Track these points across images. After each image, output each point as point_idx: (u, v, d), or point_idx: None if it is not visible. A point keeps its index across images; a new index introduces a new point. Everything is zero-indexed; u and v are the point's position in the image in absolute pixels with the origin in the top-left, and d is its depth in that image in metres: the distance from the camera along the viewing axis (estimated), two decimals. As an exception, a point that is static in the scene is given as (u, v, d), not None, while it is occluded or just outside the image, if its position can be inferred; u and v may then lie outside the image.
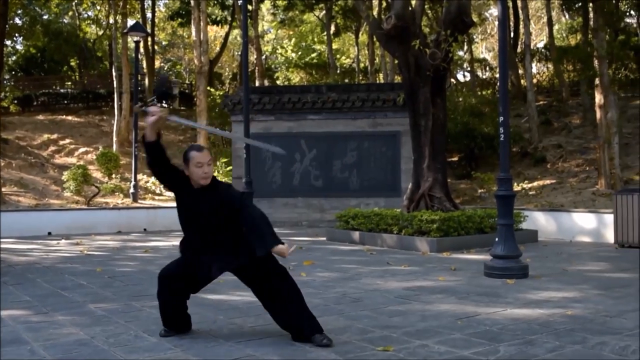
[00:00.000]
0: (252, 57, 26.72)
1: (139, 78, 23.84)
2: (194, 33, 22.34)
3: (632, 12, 25.01)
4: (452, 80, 27.83)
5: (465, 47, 29.08)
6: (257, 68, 27.06)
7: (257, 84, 25.96)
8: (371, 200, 16.43)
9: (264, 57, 32.85)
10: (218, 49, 33.74)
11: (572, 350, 4.34)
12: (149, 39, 28.19)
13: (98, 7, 29.58)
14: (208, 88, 23.32)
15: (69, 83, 31.07)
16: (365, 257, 10.16)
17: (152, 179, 19.92)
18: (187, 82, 36.02)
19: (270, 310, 4.66)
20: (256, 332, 4.91)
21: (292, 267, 8.72)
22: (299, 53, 34.15)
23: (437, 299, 6.37)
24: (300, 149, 17.18)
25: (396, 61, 16.61)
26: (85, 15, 33.67)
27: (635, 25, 25.10)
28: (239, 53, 34.14)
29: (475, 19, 21.85)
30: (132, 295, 6.64)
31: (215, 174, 18.72)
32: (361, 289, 6.94)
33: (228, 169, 18.67)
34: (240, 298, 6.39)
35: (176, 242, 12.50)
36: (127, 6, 25.51)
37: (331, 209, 16.36)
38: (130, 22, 24.08)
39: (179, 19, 30.59)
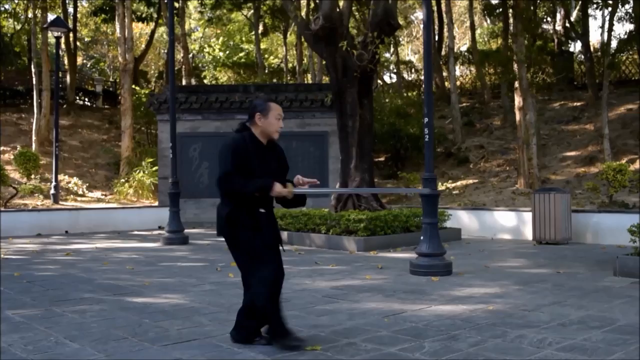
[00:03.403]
0: (179, 56, 26.30)
1: (60, 75, 23.03)
2: (118, 30, 21.78)
3: (549, 18, 26.08)
4: (379, 81, 28.26)
5: (392, 49, 29.56)
6: (183, 67, 26.67)
7: (183, 82, 25.59)
8: (299, 200, 16.45)
9: (191, 55, 32.36)
10: (143, 46, 32.99)
11: (493, 344, 4.49)
12: (71, 34, 27.28)
13: (16, 1, 28.37)
14: (133, 86, 22.78)
15: (-16, 79, 29.65)
16: (293, 257, 10.17)
17: (75, 179, 19.31)
18: (111, 80, 35.07)
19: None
20: (183, 335, 4.84)
21: (219, 269, 8.65)
22: (227, 52, 33.84)
23: (364, 297, 6.45)
24: (228, 149, 17.03)
25: (324, 62, 16.72)
26: (2, 9, 32.19)
27: (551, 31, 26.18)
28: (165, 51, 33.52)
29: (401, 21, 22.28)
30: (53, 300, 6.41)
31: (141, 174, 18.38)
32: (289, 289, 6.94)
33: (154, 169, 18.30)
34: (167, 301, 6.29)
35: (99, 244, 12.06)
36: (48, 0, 24.58)
37: (259, 209, 16.27)
38: (51, 16, 23.23)
39: (103, 15, 29.70)
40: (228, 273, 8.11)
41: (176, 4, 24.48)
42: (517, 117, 17.05)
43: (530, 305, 5.91)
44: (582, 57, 23.18)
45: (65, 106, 25.55)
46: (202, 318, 5.47)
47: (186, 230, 13.00)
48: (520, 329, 4.96)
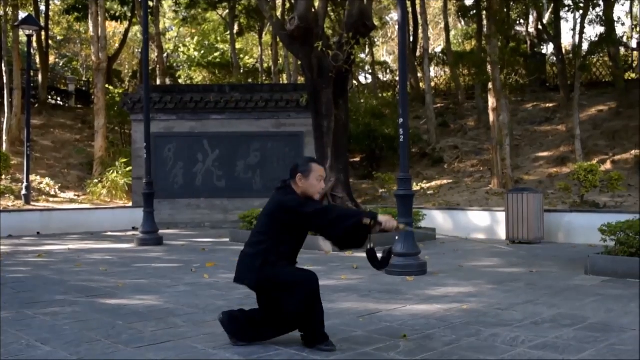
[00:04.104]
0: (153, 55, 26.09)
1: (32, 74, 22.70)
2: (91, 28, 21.52)
3: (522, 20, 26.39)
4: (354, 82, 28.34)
5: (367, 50, 29.65)
6: (158, 66, 26.46)
7: (158, 82, 25.38)
8: (275, 200, 16.43)
9: (165, 55, 32.11)
10: (117, 45, 32.66)
11: (467, 343, 4.53)
12: (43, 33, 26.89)
13: (-14, -2, 27.88)
14: (107, 86, 22.56)
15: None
16: (269, 257, 10.14)
17: (47, 180, 19.04)
18: (84, 79, 34.65)
19: None
20: (157, 337, 4.80)
21: (194, 270, 8.61)
22: (202, 52, 33.65)
23: (339, 297, 6.46)
24: (203, 149, 16.97)
25: (299, 62, 16.72)
26: (-28, 6, 31.64)
27: (524, 33, 26.49)
28: (139, 50, 33.21)
29: (376, 22, 22.34)
30: (24, 302, 6.31)
31: (115, 174, 18.21)
32: (265, 290, 6.94)
33: (128, 169, 18.13)
34: (141, 302, 6.23)
35: (72, 245, 11.90)
36: (19, -2, 24.20)
37: (235, 209, 16.24)
38: (22, 14, 22.86)
39: (76, 13, 29.32)
40: (203, 274, 8.07)
41: (150, 3, 24.27)
42: (491, 118, 17.23)
43: (503, 304, 5.98)
44: (554, 59, 23.52)
45: (37, 105, 25.19)
46: (177, 319, 5.44)
47: (161, 231, 12.90)
48: (494, 327, 5.02)
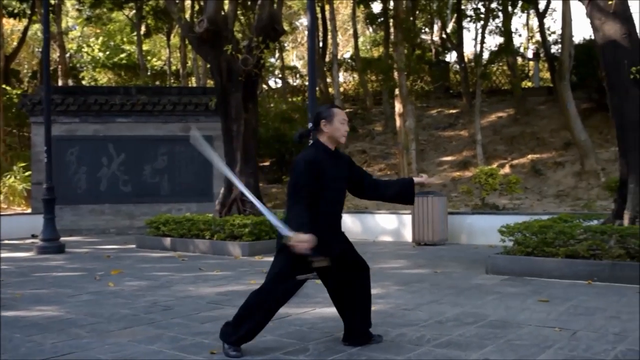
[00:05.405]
0: (55, 55, 25.09)
1: None
2: (-14, 25, 20.42)
3: (427, 29, 27.25)
4: (264, 86, 28.33)
5: (277, 55, 29.72)
6: (60, 67, 25.47)
7: (60, 83, 24.42)
8: (183, 205, 16.19)
9: (68, 55, 30.91)
10: (16, 44, 31.11)
11: (375, 343, 4.61)
12: None
13: None
14: (4, 86, 21.46)
15: None
16: (177, 263, 9.97)
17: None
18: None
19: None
20: (59, 349, 4.60)
21: (98, 277, 8.32)
22: (107, 53, 32.62)
23: (249, 302, 6.42)
24: (108, 153, 16.45)
25: (208, 65, 16.53)
26: None
27: (429, 41, 27.35)
28: (40, 49, 31.80)
29: (286, 27, 22.42)
30: None
31: (12, 179, 17.34)
32: (172, 297, 6.81)
33: (27, 174, 17.31)
34: (40, 313, 5.96)
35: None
36: None
37: (141, 215, 15.85)
38: None
39: (-32, 10, 27.72)
40: (108, 282, 7.82)
41: (52, 1, 23.31)
42: (398, 123, 17.67)
43: (410, 305, 6.14)
44: (457, 67, 24.43)
45: None
46: (80, 330, 5.24)
47: (62, 238, 12.41)
48: (401, 327, 5.14)
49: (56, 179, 13.39)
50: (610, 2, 8.27)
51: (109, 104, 16.41)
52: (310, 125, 4.50)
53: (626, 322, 5.22)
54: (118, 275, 8.54)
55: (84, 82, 31.99)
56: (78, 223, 16.16)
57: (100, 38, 33.86)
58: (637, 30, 8.44)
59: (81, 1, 29.47)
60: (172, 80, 29.85)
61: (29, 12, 28.24)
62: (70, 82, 27.92)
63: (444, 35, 25.27)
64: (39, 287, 7.69)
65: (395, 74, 17.96)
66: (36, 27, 32.00)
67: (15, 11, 28.72)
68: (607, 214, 9.28)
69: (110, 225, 16.30)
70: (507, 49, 19.69)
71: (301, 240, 3.98)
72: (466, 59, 23.69)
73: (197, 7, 25.14)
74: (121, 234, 15.72)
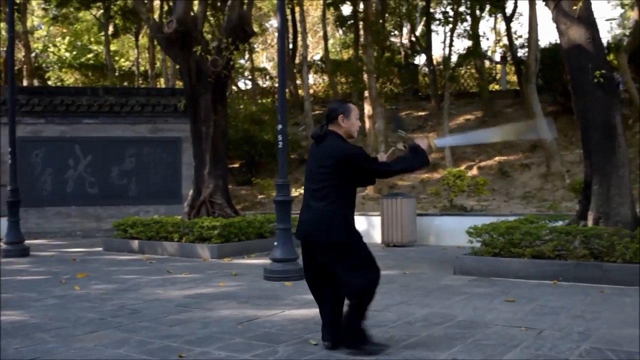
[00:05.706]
0: (20, 55, 24.64)
1: None
2: (-53, 24, 19.98)
3: (397, 32, 27.41)
4: (234, 87, 28.20)
5: (247, 56, 29.60)
6: (25, 66, 25.02)
7: (25, 83, 24.00)
8: (151, 207, 16.02)
9: (33, 55, 30.35)
10: (-22, 43, 30.50)
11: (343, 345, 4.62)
12: None
13: None
14: (-35, 86, 20.98)
15: None
16: (144, 266, 9.87)
17: None
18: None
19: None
20: (23, 355, 4.52)
21: (64, 281, 8.19)
22: (74, 53, 32.14)
23: (218, 305, 6.40)
24: (75, 155, 16.21)
25: (177, 66, 16.40)
26: None
27: (399, 44, 27.53)
28: (4, 49, 31.18)
29: (256, 29, 22.40)
30: None
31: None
32: (140, 300, 6.74)
33: (-10, 175, 16.94)
34: (4, 318, 5.84)
35: None
36: None
37: (108, 217, 15.64)
38: None
39: None
40: (73, 286, 7.70)
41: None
42: (367, 125, 17.74)
43: (379, 306, 6.15)
44: (426, 69, 24.62)
45: None
46: (45, 335, 5.15)
47: (27, 241, 12.18)
48: (370, 328, 5.14)
49: (21, 181, 13.14)
50: (575, 8, 8.43)
51: (76, 105, 16.16)
52: (323, 122, 4.55)
53: (590, 321, 5.32)
54: (84, 279, 8.42)
55: (50, 83, 31.44)
56: (43, 226, 15.87)
57: (67, 38, 33.34)
58: (600, 35, 8.63)
59: (47, 0, 29.03)
60: (141, 81, 29.53)
61: (-7, 10, 27.73)
62: (36, 83, 27.45)
63: (413, 38, 25.45)
64: (2, 291, 7.54)
65: (365, 76, 18.03)
66: (0, 26, 31.39)
67: (-21, 10, 28.19)
68: (572, 215, 9.45)
69: (76, 228, 16.06)
70: (475, 52, 19.91)
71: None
72: (435, 62, 23.89)
73: (166, 8, 24.89)
74: (88, 237, 15.50)
